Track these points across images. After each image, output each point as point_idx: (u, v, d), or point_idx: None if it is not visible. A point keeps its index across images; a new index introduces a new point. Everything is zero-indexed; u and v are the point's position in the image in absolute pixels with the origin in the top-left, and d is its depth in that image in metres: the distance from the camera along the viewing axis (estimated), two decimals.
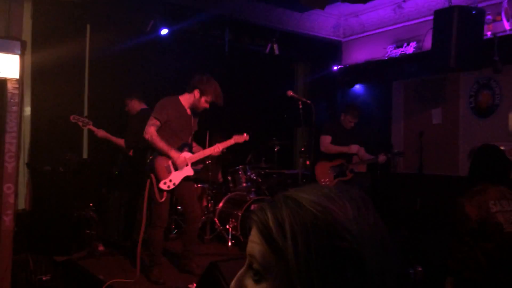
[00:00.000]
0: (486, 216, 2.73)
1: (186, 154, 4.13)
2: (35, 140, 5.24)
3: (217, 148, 4.29)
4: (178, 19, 6.09)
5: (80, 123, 4.94)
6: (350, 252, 0.62)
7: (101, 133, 5.10)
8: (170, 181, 4.03)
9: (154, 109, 4.09)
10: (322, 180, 5.53)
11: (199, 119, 4.39)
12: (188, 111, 4.17)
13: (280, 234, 0.63)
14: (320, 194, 0.66)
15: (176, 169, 4.06)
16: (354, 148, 5.54)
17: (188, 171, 4.15)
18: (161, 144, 3.95)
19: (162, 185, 4.00)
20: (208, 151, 4.29)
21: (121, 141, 5.14)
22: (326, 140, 5.62)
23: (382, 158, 5.60)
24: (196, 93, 4.06)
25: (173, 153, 3.98)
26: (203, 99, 4.06)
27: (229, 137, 4.42)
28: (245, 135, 4.44)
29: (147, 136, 3.95)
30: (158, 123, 3.98)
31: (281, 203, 0.66)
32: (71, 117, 4.89)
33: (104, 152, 5.75)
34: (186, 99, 4.13)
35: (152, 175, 4.00)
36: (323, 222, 0.63)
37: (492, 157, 2.89)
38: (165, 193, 4.03)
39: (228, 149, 4.60)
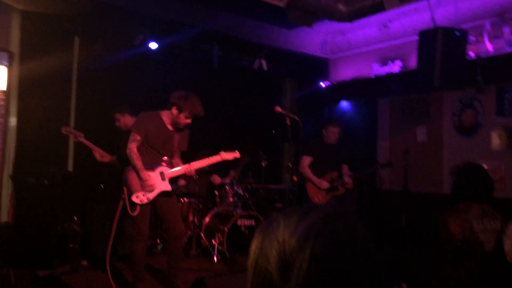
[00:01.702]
0: (469, 234, 2.76)
1: (164, 169, 4.08)
2: (20, 152, 5.18)
3: (190, 167, 4.13)
4: (167, 33, 6.13)
5: (72, 136, 4.87)
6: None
7: (98, 155, 4.97)
8: (144, 195, 3.95)
9: (134, 123, 4.09)
10: (315, 197, 5.52)
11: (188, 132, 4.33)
12: (170, 127, 4.11)
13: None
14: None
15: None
16: (324, 185, 5.52)
17: (165, 186, 4.06)
18: (137, 162, 3.92)
19: (134, 199, 3.92)
20: (183, 170, 4.14)
21: (112, 158, 5.04)
22: (305, 161, 5.60)
23: (347, 179, 5.61)
24: (174, 110, 4.00)
25: (143, 175, 3.92)
26: (182, 115, 3.99)
27: (216, 153, 4.35)
28: (236, 152, 4.38)
29: (127, 151, 3.94)
30: (138, 138, 3.96)
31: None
32: (63, 129, 4.80)
33: (90, 165, 5.69)
34: (166, 116, 4.09)
35: (124, 188, 3.94)
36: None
37: (475, 175, 2.93)
38: (138, 207, 3.92)
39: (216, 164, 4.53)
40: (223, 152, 4.35)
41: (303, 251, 0.66)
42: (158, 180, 4.03)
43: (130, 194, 3.91)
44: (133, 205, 3.91)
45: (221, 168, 6.18)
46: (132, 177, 3.95)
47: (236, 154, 4.38)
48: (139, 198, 3.93)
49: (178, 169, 4.15)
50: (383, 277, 0.70)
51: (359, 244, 0.70)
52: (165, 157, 4.14)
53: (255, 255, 0.72)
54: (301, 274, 0.65)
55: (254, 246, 0.74)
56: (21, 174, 5.01)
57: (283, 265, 0.68)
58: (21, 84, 5.17)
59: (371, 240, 0.72)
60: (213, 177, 6.26)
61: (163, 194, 4.06)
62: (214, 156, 4.31)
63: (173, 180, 4.21)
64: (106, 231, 5.11)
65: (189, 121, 4.06)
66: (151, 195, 3.98)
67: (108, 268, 3.90)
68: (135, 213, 3.91)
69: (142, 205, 3.95)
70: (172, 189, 4.16)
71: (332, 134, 5.57)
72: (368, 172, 5.99)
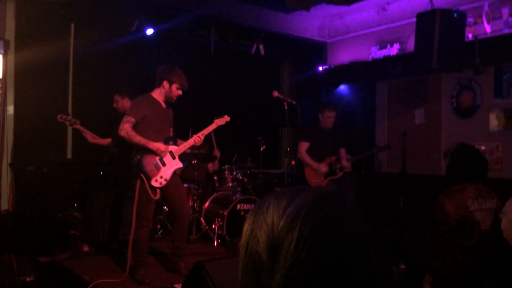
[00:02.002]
0: (465, 214, 2.80)
1: (172, 147, 4.15)
2: (18, 140, 5.18)
3: (198, 138, 4.26)
4: (163, 19, 6.09)
5: (67, 123, 4.88)
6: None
7: (90, 137, 5.02)
8: (161, 177, 4.05)
9: (129, 108, 4.11)
10: (313, 181, 5.54)
11: (183, 117, 4.41)
12: (163, 105, 4.20)
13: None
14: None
15: (164, 164, 4.07)
16: (323, 168, 5.55)
17: (177, 163, 4.17)
18: (138, 138, 3.96)
19: (153, 183, 4.01)
20: (192, 141, 4.25)
21: (107, 141, 5.10)
22: (302, 147, 5.63)
23: (345, 163, 5.64)
24: (165, 84, 4.11)
25: (152, 145, 3.99)
26: (173, 86, 4.11)
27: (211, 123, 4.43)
28: (226, 116, 4.48)
29: (122, 133, 3.95)
30: (133, 120, 3.99)
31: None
32: (58, 117, 4.82)
33: (89, 152, 5.71)
34: (158, 94, 4.16)
35: (142, 175, 4.00)
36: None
37: (468, 156, 2.95)
38: (158, 191, 4.05)
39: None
40: (216, 119, 4.44)
41: (291, 232, 0.67)
42: (170, 159, 4.12)
43: (149, 179, 4.00)
44: (153, 189, 4.02)
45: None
46: (146, 162, 4.01)
47: (227, 118, 4.49)
48: (158, 181, 4.03)
49: (185, 144, 4.23)
50: (373, 257, 0.71)
51: (347, 224, 0.70)
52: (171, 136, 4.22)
53: (246, 237, 0.74)
54: (289, 255, 0.66)
55: (245, 228, 0.75)
56: (20, 162, 5.03)
57: (271, 247, 0.68)
58: (18, 72, 5.16)
59: (361, 221, 0.72)
60: (208, 165, 6.31)
61: (172, 174, 4.13)
62: (210, 125, 4.40)
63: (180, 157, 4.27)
64: (107, 216, 5.16)
65: (180, 92, 4.16)
66: (168, 175, 4.08)
67: (129, 253, 4.05)
68: (157, 197, 4.03)
69: (160, 188, 4.05)
70: (183, 166, 4.28)
71: (328, 118, 5.58)
72: (366, 155, 6.03)
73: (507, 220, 0.82)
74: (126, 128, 3.95)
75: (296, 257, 0.66)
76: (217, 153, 6.29)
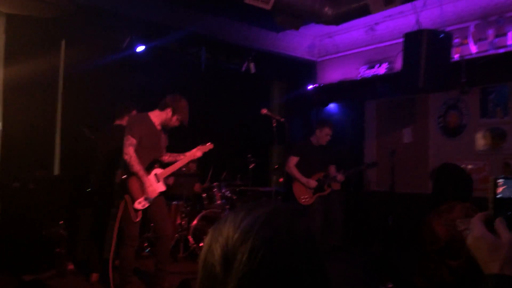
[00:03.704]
0: (454, 234, 2.80)
1: (157, 170, 4.15)
2: (5, 156, 5.12)
3: (184, 160, 4.30)
4: (154, 36, 6.12)
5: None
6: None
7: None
8: (144, 199, 4.03)
9: (127, 127, 4.09)
10: (302, 197, 5.53)
11: (172, 136, 4.41)
12: (158, 127, 4.21)
13: None
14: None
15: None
16: (312, 183, 5.55)
17: (161, 187, 4.15)
18: (138, 168, 3.95)
19: (136, 205, 4.00)
20: (178, 165, 4.28)
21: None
22: (292, 161, 5.63)
23: (340, 177, 5.65)
24: (169, 111, 4.13)
25: (146, 181, 3.98)
26: (174, 117, 4.14)
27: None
28: (208, 144, 4.49)
29: (126, 157, 3.94)
30: (134, 141, 3.98)
31: None
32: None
33: (76, 168, 5.67)
34: (156, 116, 4.17)
35: (126, 196, 3.97)
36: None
37: (452, 174, 2.97)
38: (140, 212, 4.02)
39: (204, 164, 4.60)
40: (200, 145, 4.44)
41: (244, 244, 0.69)
42: (154, 183, 4.10)
43: (133, 201, 3.98)
44: (136, 211, 3.99)
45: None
46: (132, 183, 3.98)
47: (210, 146, 4.49)
48: (141, 203, 4.01)
49: (170, 168, 4.24)
50: (323, 269, 0.72)
51: (299, 237, 0.71)
52: (158, 158, 4.21)
53: (203, 250, 0.75)
54: (241, 266, 0.68)
55: (204, 242, 0.77)
56: (6, 178, 4.96)
57: (225, 258, 0.70)
58: (6, 87, 5.13)
59: (313, 234, 0.74)
60: (195, 186, 6.29)
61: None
62: (191, 150, 4.40)
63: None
64: (92, 235, 5.08)
65: (177, 124, 4.19)
66: (151, 199, 4.05)
67: (110, 272, 4.01)
68: (138, 219, 4.00)
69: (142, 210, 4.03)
70: (167, 189, 4.26)
71: (326, 135, 5.61)
72: (359, 170, 6.07)
73: (471, 237, 0.83)
74: (130, 153, 3.93)
75: (248, 268, 0.67)
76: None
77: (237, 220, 0.73)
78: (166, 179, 4.30)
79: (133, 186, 3.99)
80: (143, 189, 4.00)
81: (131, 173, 3.98)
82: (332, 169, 5.76)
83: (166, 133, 4.31)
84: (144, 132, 4.05)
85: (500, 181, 0.90)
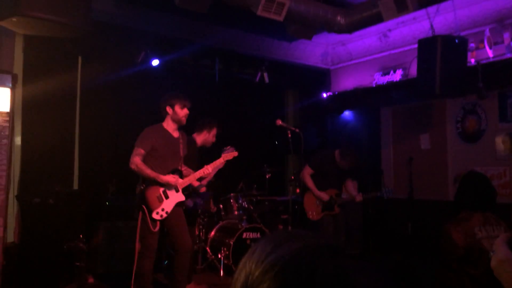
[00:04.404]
0: (473, 242, 2.75)
1: (177, 180, 4.15)
2: (25, 172, 5.22)
3: (207, 170, 4.29)
4: (168, 50, 6.20)
5: None
6: None
7: None
8: (163, 210, 4.05)
9: (138, 139, 4.14)
10: (310, 211, 5.42)
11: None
12: (174, 134, 4.25)
13: None
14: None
15: (167, 197, 4.08)
16: (324, 197, 5.37)
17: (179, 197, 4.16)
18: (148, 171, 3.98)
19: (154, 215, 4.01)
20: (198, 174, 4.29)
21: None
22: (307, 171, 5.46)
23: (358, 197, 5.47)
24: (168, 109, 4.22)
25: (161, 178, 4.01)
26: (176, 108, 4.19)
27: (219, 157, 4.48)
28: (234, 152, 4.54)
29: (132, 166, 3.99)
30: (142, 151, 4.04)
31: None
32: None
33: (95, 182, 5.74)
34: (167, 123, 4.23)
35: (144, 206, 4.01)
36: None
37: (478, 185, 2.92)
38: (158, 223, 4.04)
39: (220, 176, 4.64)
40: (224, 153, 4.49)
41: (261, 285, 0.66)
42: (173, 192, 4.13)
43: (150, 212, 4.00)
44: (154, 221, 4.01)
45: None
46: (149, 194, 4.03)
47: (235, 153, 4.55)
48: (159, 213, 4.03)
49: (190, 177, 4.26)
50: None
51: (323, 281, 0.65)
52: (177, 168, 4.24)
53: (235, 275, 0.73)
54: None
55: (238, 266, 0.75)
56: (27, 194, 5.05)
57: None
58: (25, 105, 5.24)
59: (345, 277, 0.66)
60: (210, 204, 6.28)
61: (177, 205, 4.14)
62: (217, 160, 4.44)
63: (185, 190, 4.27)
64: (112, 247, 5.13)
65: (186, 111, 4.21)
66: (169, 208, 4.08)
67: (132, 285, 4.04)
68: (156, 229, 4.02)
69: (161, 221, 4.04)
70: (186, 198, 4.28)
71: (346, 164, 5.40)
72: (375, 195, 5.71)
73: (495, 260, 0.80)
74: (136, 162, 3.99)
75: None
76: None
77: (264, 253, 0.70)
78: (192, 189, 4.32)
79: (150, 196, 4.02)
80: (160, 199, 4.04)
81: (148, 184, 4.02)
82: (349, 184, 5.62)
83: (184, 139, 4.34)
84: (157, 142, 4.10)
85: None
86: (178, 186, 4.14)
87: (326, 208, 5.41)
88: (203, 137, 4.89)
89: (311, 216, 5.38)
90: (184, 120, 4.24)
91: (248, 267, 0.70)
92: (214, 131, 4.96)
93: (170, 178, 4.05)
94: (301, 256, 0.68)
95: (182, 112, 4.19)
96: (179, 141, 4.27)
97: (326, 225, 5.35)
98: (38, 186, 5.11)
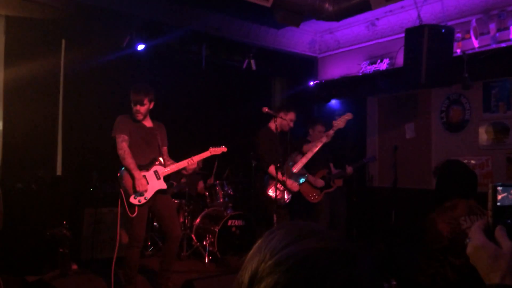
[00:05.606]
0: (458, 232, 2.78)
1: (158, 167, 4.11)
2: (6, 157, 5.13)
3: (191, 161, 4.22)
4: (154, 35, 6.10)
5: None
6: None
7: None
8: (141, 195, 3.98)
9: (114, 127, 4.07)
10: (310, 195, 5.45)
11: (174, 133, 4.39)
12: (146, 124, 4.17)
13: None
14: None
15: (146, 183, 4.02)
16: (319, 182, 5.45)
17: (161, 184, 4.10)
18: (129, 161, 3.94)
19: (132, 200, 3.93)
20: (182, 164, 4.22)
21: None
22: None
23: (349, 169, 5.61)
24: (132, 105, 4.13)
25: (136, 173, 3.94)
26: (131, 104, 4.10)
27: (206, 150, 4.41)
28: (223, 147, 4.45)
29: (120, 151, 3.95)
30: (126, 137, 4.00)
31: None
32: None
33: (79, 168, 5.67)
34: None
35: (121, 191, 3.95)
36: None
37: (457, 172, 2.94)
38: (136, 208, 3.95)
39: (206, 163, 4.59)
40: (212, 147, 4.40)
41: (271, 276, 0.65)
42: (153, 179, 4.05)
43: (128, 195, 3.93)
44: (132, 206, 3.93)
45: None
46: (128, 178, 3.96)
47: (223, 149, 4.46)
48: (137, 198, 3.95)
49: (172, 166, 4.19)
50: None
51: (335, 286, 0.64)
52: (158, 157, 4.17)
53: (244, 263, 0.72)
54: None
55: (248, 253, 0.73)
56: (9, 179, 4.97)
57: (252, 280, 0.67)
58: (7, 88, 5.13)
59: (359, 283, 0.65)
60: (199, 184, 6.28)
61: (160, 193, 4.08)
62: (203, 152, 4.35)
63: (167, 179, 4.22)
64: (96, 234, 5.10)
65: (137, 107, 4.08)
66: (148, 194, 3.99)
67: (113, 270, 3.97)
68: (134, 215, 3.93)
69: (140, 206, 3.95)
70: (168, 187, 4.21)
71: (319, 133, 5.56)
72: (366, 162, 6.17)
73: (471, 247, 0.81)
74: (123, 147, 3.95)
75: None
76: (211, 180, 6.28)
77: (279, 245, 0.68)
78: (172, 178, 4.27)
79: (127, 180, 3.95)
80: (134, 183, 3.95)
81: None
82: (331, 166, 5.74)
83: (161, 129, 4.26)
84: (132, 129, 4.05)
85: (500, 188, 0.89)
86: (159, 173, 4.08)
87: (324, 187, 5.50)
88: (279, 122, 4.84)
89: (313, 199, 5.41)
90: (138, 115, 4.10)
91: (263, 253, 0.69)
92: (290, 116, 5.00)
93: (142, 180, 3.94)
94: (317, 258, 0.66)
95: (134, 108, 4.10)
96: (155, 131, 4.19)
97: (322, 209, 5.42)
98: (21, 171, 5.03)
